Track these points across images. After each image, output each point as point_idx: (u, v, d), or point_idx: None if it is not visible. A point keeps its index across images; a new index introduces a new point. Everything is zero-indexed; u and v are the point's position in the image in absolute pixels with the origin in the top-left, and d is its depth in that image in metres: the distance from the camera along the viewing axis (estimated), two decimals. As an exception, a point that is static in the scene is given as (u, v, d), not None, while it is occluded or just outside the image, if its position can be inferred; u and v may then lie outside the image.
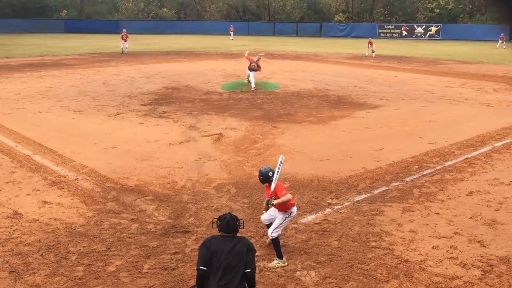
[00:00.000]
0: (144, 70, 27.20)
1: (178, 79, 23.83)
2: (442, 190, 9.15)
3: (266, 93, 20.00)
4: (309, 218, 7.82)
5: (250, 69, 20.55)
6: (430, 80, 24.21)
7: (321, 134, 13.34)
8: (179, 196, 8.69)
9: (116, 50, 39.30)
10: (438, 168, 10.46)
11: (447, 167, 10.51)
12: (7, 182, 9.26)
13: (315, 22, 71.99)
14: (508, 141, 12.74)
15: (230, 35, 58.72)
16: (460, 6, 64.78)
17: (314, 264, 6.38)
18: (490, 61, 34.47)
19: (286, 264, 6.39)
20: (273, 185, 6.46)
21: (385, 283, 5.93)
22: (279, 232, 6.55)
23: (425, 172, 10.15)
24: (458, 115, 15.98)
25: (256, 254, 6.55)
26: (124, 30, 38.09)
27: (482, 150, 11.84)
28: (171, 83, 22.35)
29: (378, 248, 6.82)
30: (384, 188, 9.24)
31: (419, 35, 61.52)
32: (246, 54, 21.68)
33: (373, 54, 37.87)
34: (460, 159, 11.14)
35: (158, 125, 14.16)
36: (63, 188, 9.00)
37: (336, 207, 8.26)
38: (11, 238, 6.99)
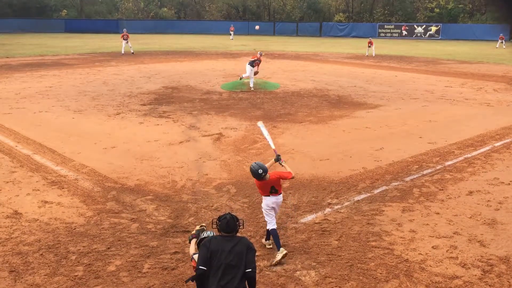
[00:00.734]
0: (144, 70, 27.20)
1: (178, 78, 23.84)
2: (442, 189, 9.15)
3: (266, 92, 20.00)
4: (309, 217, 7.82)
5: (251, 64, 20.19)
6: (430, 80, 24.21)
7: (321, 134, 13.34)
8: (179, 196, 8.69)
9: (116, 50, 39.29)
10: (438, 168, 10.46)
11: (447, 167, 10.51)
12: (7, 182, 9.26)
13: (315, 21, 72.00)
14: (508, 140, 12.74)
15: (230, 34, 58.64)
16: (460, 5, 64.79)
17: (314, 263, 6.38)
18: (490, 61, 34.48)
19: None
20: (271, 145, 7.15)
21: (385, 283, 5.93)
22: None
23: (425, 172, 10.15)
24: (458, 115, 15.98)
25: (256, 254, 6.56)
26: (124, 30, 37.98)
27: (482, 150, 11.84)
28: (171, 83, 22.35)
29: (378, 247, 6.82)
30: (384, 187, 9.24)
31: (419, 34, 61.52)
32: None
33: (373, 54, 37.83)
34: (460, 158, 11.14)
35: (158, 124, 14.16)
36: (63, 188, 9.00)
37: (336, 207, 8.26)
38: (11, 237, 7.00)
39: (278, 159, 6.92)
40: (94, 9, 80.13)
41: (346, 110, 16.61)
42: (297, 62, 33.01)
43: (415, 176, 9.88)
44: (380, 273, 6.14)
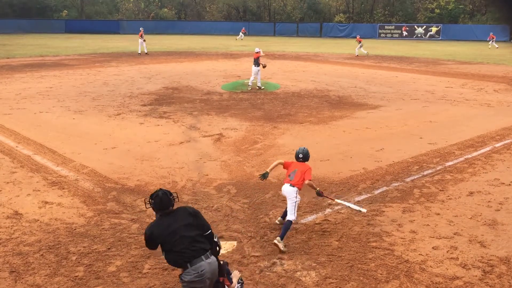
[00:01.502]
0: (144, 71, 27.21)
1: (179, 79, 23.85)
2: (443, 190, 9.14)
3: (266, 93, 20.01)
4: (310, 218, 7.82)
5: (256, 63, 20.22)
6: (431, 81, 24.21)
7: (322, 135, 13.34)
8: (180, 197, 8.67)
9: (116, 51, 39.33)
10: (438, 168, 10.45)
11: (448, 168, 10.51)
12: (8, 182, 9.26)
13: (315, 22, 72.00)
14: (508, 141, 12.74)
15: (239, 35, 58.25)
16: (460, 6, 64.81)
17: (315, 264, 6.38)
18: (490, 61, 34.47)
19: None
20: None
21: (385, 284, 5.93)
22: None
23: (425, 173, 10.15)
24: (458, 116, 15.98)
25: (257, 254, 6.57)
26: (141, 29, 38.07)
27: (483, 151, 11.84)
28: (172, 84, 22.36)
29: (379, 248, 6.82)
30: (384, 188, 9.24)
31: (419, 35, 61.53)
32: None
33: (365, 52, 38.23)
34: (461, 159, 11.14)
35: (158, 125, 14.17)
36: (63, 188, 9.01)
37: (336, 208, 8.25)
38: (12, 238, 7.00)
39: (319, 193, 7.42)
40: (95, 9, 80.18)
41: (346, 110, 16.61)
42: (298, 62, 33.01)
43: (415, 177, 9.88)
44: (381, 274, 6.14)
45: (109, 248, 6.73)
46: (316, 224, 7.60)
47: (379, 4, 72.50)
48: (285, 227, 6.92)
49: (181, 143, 12.29)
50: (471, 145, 12.25)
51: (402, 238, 7.13)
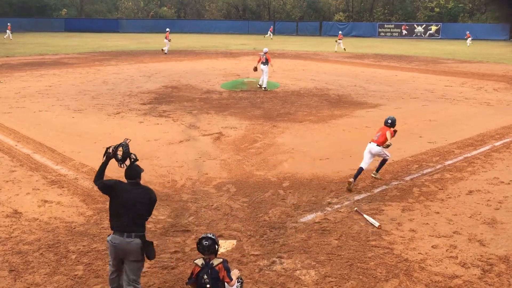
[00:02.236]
0: (144, 69, 27.19)
1: (178, 78, 23.83)
2: (442, 189, 9.15)
3: (266, 92, 19.99)
4: (309, 217, 7.83)
5: (262, 62, 20.19)
6: (430, 79, 24.20)
7: (321, 133, 13.33)
8: (179, 195, 8.69)
9: (115, 49, 39.32)
10: (438, 167, 10.46)
11: (447, 166, 10.52)
12: (7, 181, 9.26)
13: (315, 21, 71.94)
14: (508, 140, 12.74)
15: (268, 34, 58.94)
16: (460, 5, 64.77)
17: (314, 263, 6.38)
18: (490, 60, 34.46)
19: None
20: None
21: (384, 282, 5.94)
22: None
23: (425, 171, 10.15)
24: (458, 114, 15.98)
25: (256, 253, 6.58)
26: (168, 29, 38.72)
27: (482, 149, 11.84)
28: (171, 82, 22.35)
29: (378, 247, 6.82)
30: (384, 187, 9.25)
31: (419, 34, 61.50)
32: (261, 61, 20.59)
33: (342, 47, 40.34)
34: (460, 158, 11.14)
35: (158, 124, 14.16)
36: (63, 187, 9.01)
37: (336, 206, 8.26)
38: (11, 237, 7.00)
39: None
40: (94, 8, 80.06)
41: (346, 109, 16.61)
42: (297, 61, 33.00)
43: (415, 176, 9.89)
44: (380, 273, 6.15)
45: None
46: (316, 223, 7.60)
47: (379, 3, 72.44)
48: (381, 164, 9.67)
49: (180, 142, 12.29)
50: (471, 144, 12.25)
51: (401, 237, 7.14)
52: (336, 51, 40.32)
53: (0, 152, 11.14)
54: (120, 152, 5.57)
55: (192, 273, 4.99)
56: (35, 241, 6.88)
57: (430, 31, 60.87)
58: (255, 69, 20.84)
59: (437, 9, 65.21)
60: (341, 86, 21.87)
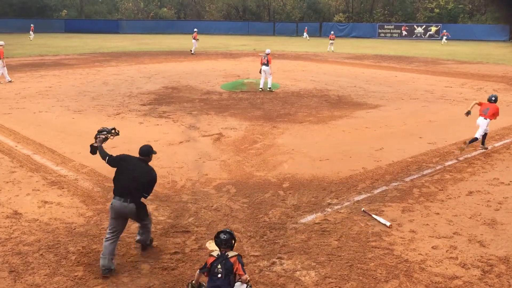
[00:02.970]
0: (144, 70, 27.20)
1: (178, 79, 23.84)
2: (442, 190, 9.15)
3: (266, 93, 20.00)
4: (309, 218, 7.82)
5: (264, 64, 20.19)
6: (430, 80, 24.21)
7: (321, 134, 13.34)
8: (179, 196, 8.69)
9: (115, 50, 39.33)
10: (438, 168, 10.46)
11: (447, 167, 10.52)
12: (7, 182, 9.26)
13: (315, 22, 71.95)
14: (508, 141, 12.74)
15: (304, 35, 59.46)
16: (460, 6, 64.83)
17: (314, 264, 6.38)
18: (489, 61, 34.48)
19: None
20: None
21: (384, 283, 5.93)
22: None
23: (424, 172, 10.15)
24: (458, 115, 15.93)
25: (256, 254, 6.57)
26: (195, 30, 39.34)
27: (482, 150, 11.85)
28: (171, 83, 22.35)
29: (378, 248, 6.82)
30: (384, 188, 9.25)
31: (419, 35, 61.55)
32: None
33: (332, 50, 41.37)
34: (460, 159, 11.14)
35: (158, 125, 14.16)
36: (63, 188, 9.00)
37: (336, 207, 8.26)
38: (11, 238, 6.99)
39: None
40: (94, 9, 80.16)
41: (346, 110, 16.61)
42: (297, 62, 33.01)
43: (415, 176, 9.88)
44: (380, 273, 6.15)
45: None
46: (316, 223, 7.60)
47: (379, 4, 72.49)
48: (484, 137, 11.73)
49: (180, 142, 12.29)
50: (471, 145, 12.24)
51: (401, 238, 7.14)
52: (328, 51, 41.34)
53: (0, 153, 11.14)
54: (101, 136, 6.73)
55: (206, 263, 5.17)
56: (35, 242, 6.88)
57: (430, 32, 60.92)
58: (261, 71, 20.70)
59: (437, 10, 65.27)
60: (341, 87, 21.88)
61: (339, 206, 8.29)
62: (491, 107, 11.62)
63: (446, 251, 6.72)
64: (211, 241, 6.10)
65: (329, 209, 8.17)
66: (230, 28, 69.44)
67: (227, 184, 9.32)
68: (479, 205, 8.41)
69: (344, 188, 9.16)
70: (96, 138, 6.72)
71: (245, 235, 7.17)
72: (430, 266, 6.33)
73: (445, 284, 5.93)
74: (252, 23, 72.45)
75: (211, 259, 5.13)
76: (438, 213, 8.04)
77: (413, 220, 7.78)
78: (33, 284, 5.84)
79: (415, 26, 62.90)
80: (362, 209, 8.09)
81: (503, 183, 9.55)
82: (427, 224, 7.61)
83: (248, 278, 5.27)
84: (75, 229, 7.33)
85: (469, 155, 11.39)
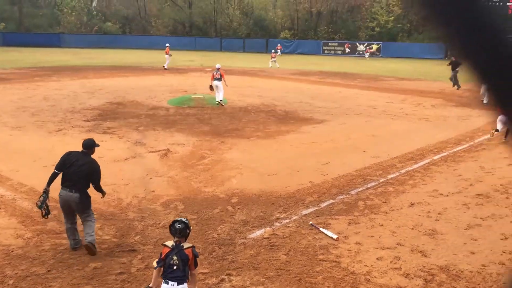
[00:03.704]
0: (87, 85, 26.47)
1: (124, 94, 23.36)
2: (386, 202, 9.43)
3: (213, 108, 19.99)
4: (258, 233, 7.83)
5: (216, 79, 20.32)
6: (372, 96, 25.05)
7: (269, 149, 13.45)
8: (125, 214, 8.47)
9: (57, 64, 38.10)
10: (381, 180, 10.78)
11: (390, 180, 10.86)
12: None
13: (261, 38, 72.93)
14: (445, 154, 13.35)
15: (279, 52, 55.35)
16: (399, 25, 67.71)
17: (263, 279, 6.37)
18: (427, 78, 36.14)
19: None
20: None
21: (332, 296, 6.00)
22: None
23: (369, 185, 10.43)
24: (399, 130, 16.60)
25: (205, 271, 6.48)
26: (167, 44, 39.11)
27: (422, 163, 12.33)
28: (116, 98, 21.87)
29: (326, 261, 6.91)
30: (330, 201, 9.41)
31: (361, 52, 63.67)
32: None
33: (277, 65, 41.92)
34: (402, 172, 11.55)
35: (102, 141, 13.72)
36: (-1, 208, 8.54)
37: (284, 221, 8.31)
38: None
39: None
40: (34, 22, 77.33)
41: (293, 125, 16.86)
42: (244, 78, 33.23)
43: (359, 189, 10.14)
44: (328, 286, 6.22)
45: (49, 270, 6.42)
46: (265, 238, 7.61)
47: (323, 22, 74.50)
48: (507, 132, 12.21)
49: (126, 159, 12.01)
50: (411, 158, 12.74)
51: (348, 250, 7.27)
52: (271, 67, 42.02)
53: None
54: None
55: (161, 254, 5.07)
56: (-32, 266, 6.46)
57: (372, 50, 63.15)
58: (211, 87, 20.71)
59: (377, 29, 67.83)
60: (287, 102, 22.21)
61: (287, 220, 8.35)
62: None
63: (390, 262, 6.91)
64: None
65: (277, 224, 8.21)
66: (177, 43, 68.98)
67: (175, 200, 9.18)
68: (420, 216, 8.72)
69: (292, 202, 9.25)
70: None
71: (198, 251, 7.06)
72: (375, 277, 6.48)
73: (390, 294, 6.07)
74: (199, 38, 72.40)
75: (166, 250, 5.03)
76: (382, 225, 8.26)
77: (359, 232, 7.95)
78: (-35, 312, 5.47)
79: (357, 44, 65.08)
80: (310, 222, 8.19)
81: (442, 194, 9.97)
82: (372, 236, 7.80)
83: (196, 274, 5.25)
84: (12, 251, 6.95)
85: (410, 168, 11.83)
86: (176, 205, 8.94)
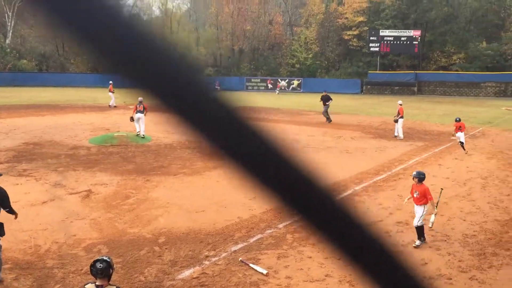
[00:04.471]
0: (0, 125, 24.95)
1: (41, 134, 22.24)
2: (313, 233, 9.59)
3: (137, 146, 19.56)
4: (187, 273, 7.65)
5: (138, 111, 20.44)
6: (295, 130, 25.78)
7: (196, 186, 13.32)
8: (43, 262, 7.94)
9: (-34, 103, 35.72)
10: (307, 213, 10.99)
11: (316, 212, 11.10)
12: None
13: (184, 75, 73.13)
14: (366, 184, 13.94)
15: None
16: (317, 62, 70.99)
17: (194, 321, 6.19)
18: (345, 111, 37.89)
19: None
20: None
21: (265, 332, 5.95)
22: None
23: (296, 218, 10.58)
24: (322, 162, 17.08)
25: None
26: (111, 82, 36.18)
27: (345, 194, 12.79)
28: (33, 138, 20.76)
29: (257, 297, 6.87)
30: (259, 236, 9.44)
31: (283, 88, 65.72)
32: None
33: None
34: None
35: (17, 184, 12.95)
36: None
37: (213, 259, 8.20)
38: None
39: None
40: None
41: (219, 161, 16.83)
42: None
43: (287, 222, 10.26)
44: (260, 323, 6.16)
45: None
46: (194, 278, 7.45)
47: (245, 59, 76.39)
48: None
49: (44, 202, 11.36)
50: (334, 189, 13.13)
51: (278, 285, 7.29)
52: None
53: None
54: None
55: None
56: None
57: (293, 85, 65.49)
58: (132, 119, 20.58)
59: (297, 65, 70.68)
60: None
61: (216, 258, 8.25)
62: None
63: (320, 293, 7.00)
64: None
65: (207, 262, 8.08)
66: (98, 80, 67.35)
67: (98, 244, 8.77)
68: (346, 246, 8.96)
69: (221, 239, 9.17)
70: None
71: (120, 298, 6.74)
72: (307, 309, 6.53)
73: (321, 326, 6.13)
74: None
75: None
76: (310, 257, 8.39)
77: (288, 265, 8.02)
78: None
79: (279, 80, 67.18)
80: (240, 259, 8.14)
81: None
82: (301, 269, 7.89)
83: None
84: None
85: (334, 199, 12.18)
86: (100, 248, 8.53)
